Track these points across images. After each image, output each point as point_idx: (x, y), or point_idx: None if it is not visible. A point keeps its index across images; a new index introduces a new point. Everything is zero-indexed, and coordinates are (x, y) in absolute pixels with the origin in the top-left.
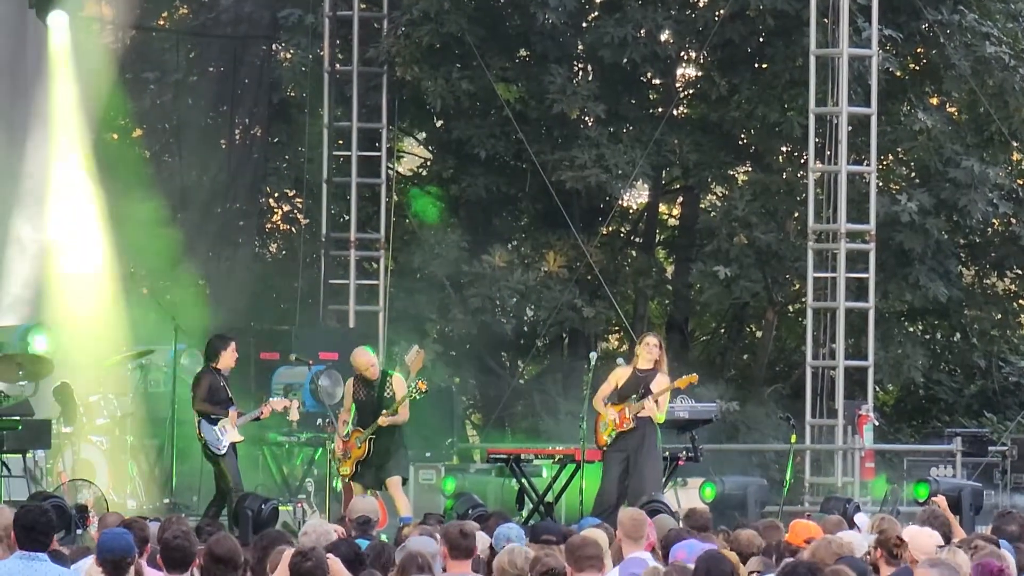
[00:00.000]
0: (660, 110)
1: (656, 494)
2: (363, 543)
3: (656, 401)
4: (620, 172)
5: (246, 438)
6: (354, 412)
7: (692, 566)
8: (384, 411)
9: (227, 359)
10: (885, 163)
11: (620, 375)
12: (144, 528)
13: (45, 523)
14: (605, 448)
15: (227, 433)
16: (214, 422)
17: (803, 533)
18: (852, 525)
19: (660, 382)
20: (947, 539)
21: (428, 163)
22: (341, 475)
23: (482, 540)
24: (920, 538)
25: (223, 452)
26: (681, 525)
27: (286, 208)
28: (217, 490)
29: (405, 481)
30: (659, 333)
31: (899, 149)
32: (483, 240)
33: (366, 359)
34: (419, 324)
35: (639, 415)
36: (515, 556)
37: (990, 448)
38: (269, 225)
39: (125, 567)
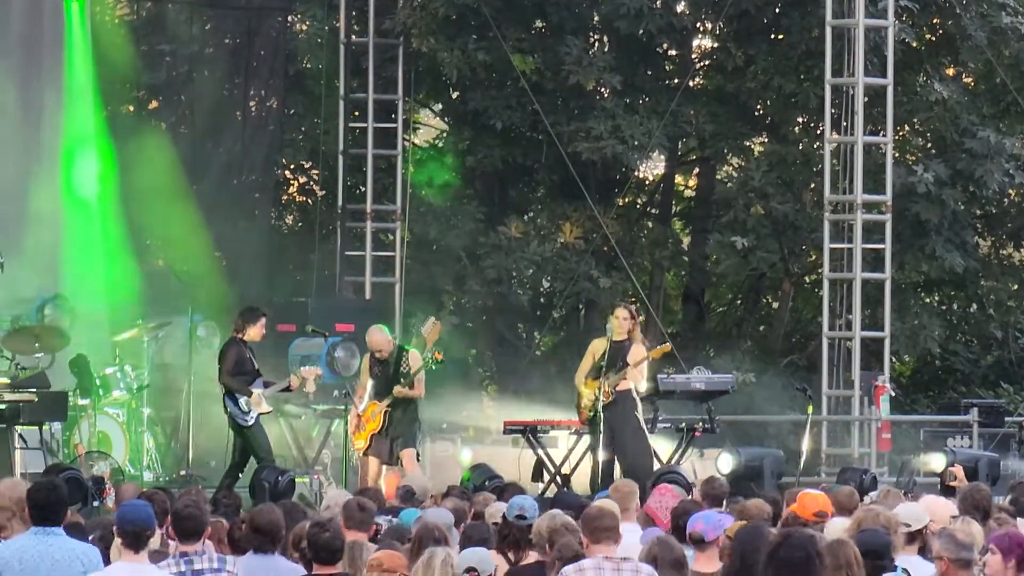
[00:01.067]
0: (676, 81)
1: (673, 465)
2: (412, 513)
3: (636, 370)
4: (636, 143)
5: None
6: (370, 387)
7: (707, 537)
8: (396, 386)
9: (255, 332)
10: (901, 134)
11: (596, 348)
12: (165, 500)
13: (57, 498)
14: (588, 423)
15: (254, 406)
16: (239, 396)
17: (811, 505)
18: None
19: (635, 352)
20: (987, 514)
21: (444, 134)
22: (356, 448)
23: (497, 510)
24: (935, 507)
25: (250, 424)
26: (698, 494)
27: (302, 180)
28: (233, 461)
29: (418, 455)
30: (631, 304)
31: (915, 120)
32: (499, 211)
33: (381, 339)
34: (435, 296)
35: (617, 388)
36: (555, 522)
37: (1007, 419)
38: (285, 197)
39: (145, 539)
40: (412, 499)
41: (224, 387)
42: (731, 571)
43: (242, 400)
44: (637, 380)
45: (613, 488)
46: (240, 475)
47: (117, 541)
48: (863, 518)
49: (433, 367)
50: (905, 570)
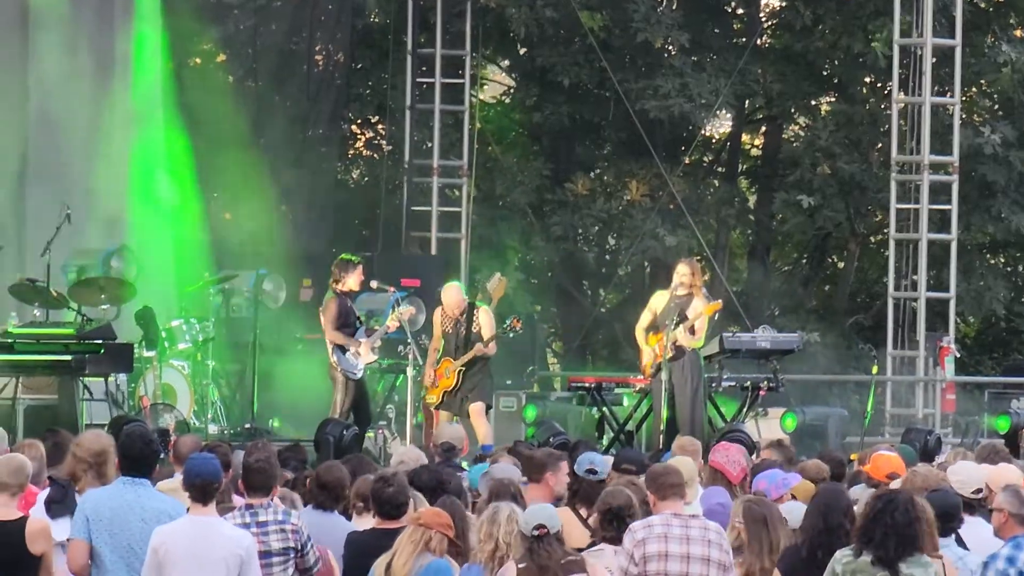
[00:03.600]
0: (744, 40)
1: (737, 423)
2: (480, 469)
3: (693, 328)
4: (703, 101)
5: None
6: (442, 344)
7: (770, 496)
8: (478, 344)
9: (353, 282)
10: (968, 95)
11: (657, 303)
12: (227, 452)
13: (151, 451)
14: (651, 379)
15: (361, 357)
16: (346, 349)
17: (885, 467)
18: (931, 458)
19: (695, 307)
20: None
21: (511, 90)
22: (426, 403)
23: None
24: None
25: (359, 376)
26: (765, 456)
27: (369, 134)
28: (358, 413)
29: (489, 409)
30: (693, 260)
31: (982, 81)
32: (565, 168)
33: (455, 298)
34: (501, 252)
35: (679, 344)
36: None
37: None
38: (351, 151)
39: (212, 492)
40: (453, 452)
41: (330, 341)
42: (813, 532)
43: (350, 353)
44: (688, 339)
45: (677, 446)
46: (367, 427)
47: (184, 494)
48: (916, 479)
49: (511, 335)
50: (958, 534)
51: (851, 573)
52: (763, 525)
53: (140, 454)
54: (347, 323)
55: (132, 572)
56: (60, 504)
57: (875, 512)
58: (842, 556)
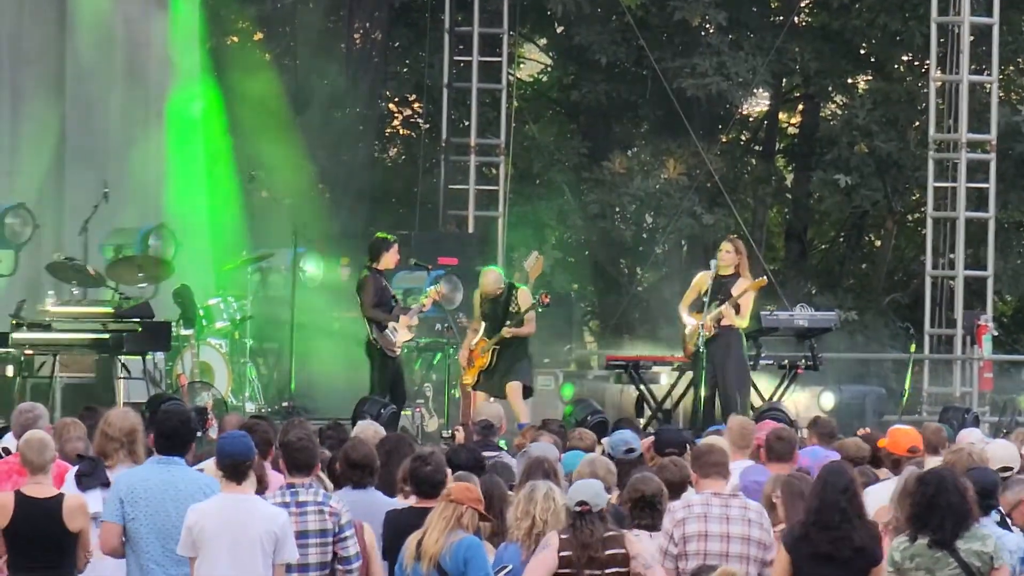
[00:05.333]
0: (781, 18)
1: (775, 402)
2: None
3: (737, 306)
4: (741, 80)
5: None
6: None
7: (813, 474)
8: (508, 323)
9: (389, 259)
10: (1006, 73)
11: (701, 282)
12: (268, 430)
13: (186, 430)
14: (691, 357)
15: (398, 334)
16: (384, 327)
17: (904, 441)
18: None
19: (740, 285)
20: None
21: (548, 69)
22: (463, 383)
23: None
24: None
25: (398, 354)
26: (806, 433)
27: (406, 113)
28: (394, 391)
29: (528, 389)
30: (737, 239)
31: (1020, 59)
32: (603, 146)
33: (494, 281)
34: (538, 230)
35: (721, 323)
36: (596, 466)
37: None
38: (389, 130)
39: (245, 470)
40: (491, 431)
41: (368, 319)
42: (810, 509)
43: (388, 330)
44: (732, 317)
45: (731, 425)
46: (402, 405)
47: (218, 472)
48: (954, 460)
49: (539, 309)
50: (1000, 511)
51: (910, 558)
52: (800, 499)
53: (175, 432)
54: (383, 301)
55: (167, 552)
56: (90, 477)
57: (927, 497)
58: (899, 543)
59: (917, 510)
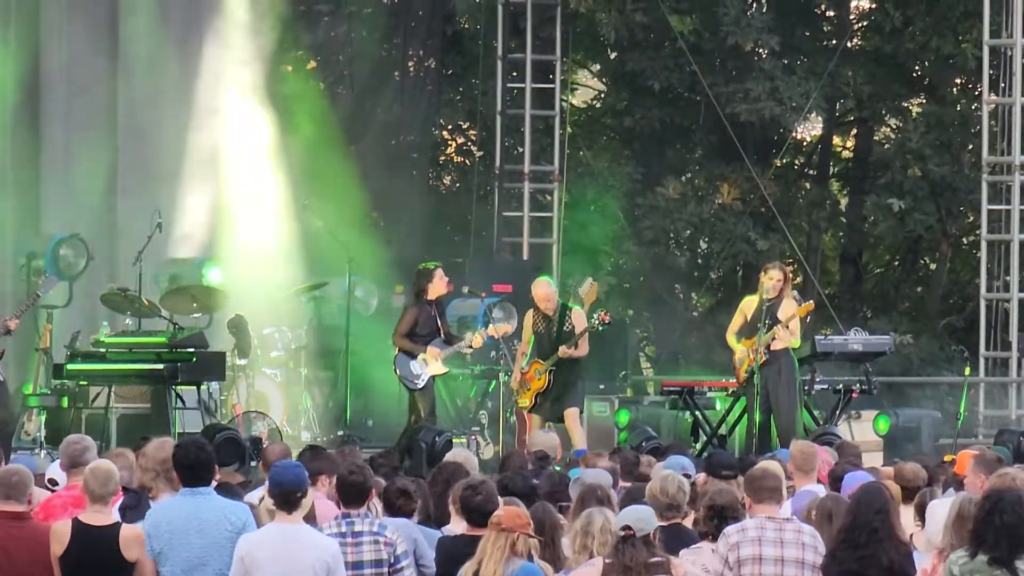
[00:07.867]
0: (834, 42)
1: (830, 427)
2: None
3: (787, 327)
4: (794, 104)
5: None
6: (532, 344)
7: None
8: (564, 344)
9: (437, 288)
10: None
11: (747, 306)
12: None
13: (205, 459)
14: (744, 384)
15: (428, 366)
16: (413, 356)
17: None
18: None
19: (786, 308)
20: None
21: (602, 95)
22: (520, 406)
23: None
24: None
25: (421, 386)
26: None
27: (460, 140)
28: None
29: (581, 412)
30: (783, 263)
31: None
32: (657, 172)
33: (545, 291)
34: (593, 256)
35: (772, 347)
36: (668, 483)
37: None
38: (443, 157)
39: (296, 501)
40: (547, 461)
41: (397, 347)
42: (842, 528)
43: (414, 362)
44: (786, 338)
45: (794, 451)
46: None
47: (269, 502)
48: (999, 484)
49: (600, 328)
50: None
51: (968, 574)
52: (828, 520)
53: (195, 461)
54: (422, 332)
55: None
56: (134, 510)
57: (984, 513)
58: (957, 558)
59: (976, 525)
